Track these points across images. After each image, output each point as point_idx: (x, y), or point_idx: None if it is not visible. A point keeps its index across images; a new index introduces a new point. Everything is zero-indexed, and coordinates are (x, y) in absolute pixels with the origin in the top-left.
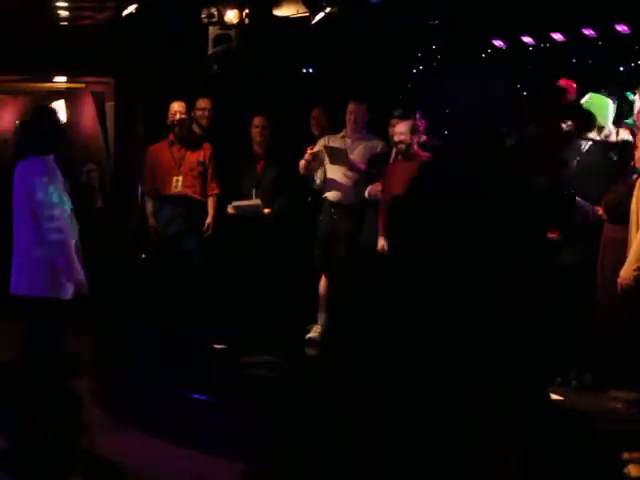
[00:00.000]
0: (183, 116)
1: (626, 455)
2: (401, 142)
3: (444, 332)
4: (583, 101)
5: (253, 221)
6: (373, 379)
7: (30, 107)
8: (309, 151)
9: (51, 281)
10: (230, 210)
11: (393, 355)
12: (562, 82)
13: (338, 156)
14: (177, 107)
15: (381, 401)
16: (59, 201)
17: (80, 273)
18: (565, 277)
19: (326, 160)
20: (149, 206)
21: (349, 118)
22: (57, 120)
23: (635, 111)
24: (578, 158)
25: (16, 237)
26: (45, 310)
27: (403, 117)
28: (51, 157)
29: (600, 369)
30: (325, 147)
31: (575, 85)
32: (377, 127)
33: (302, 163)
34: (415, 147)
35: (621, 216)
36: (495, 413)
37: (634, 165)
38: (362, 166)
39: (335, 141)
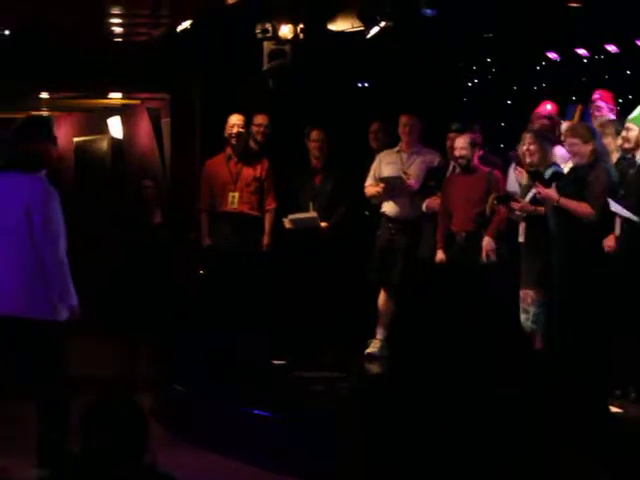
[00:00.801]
0: (241, 129)
1: None
2: (462, 157)
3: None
4: (634, 114)
5: (310, 234)
6: (435, 393)
7: (22, 119)
8: (380, 186)
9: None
10: (287, 223)
11: (453, 369)
12: (599, 93)
13: (395, 185)
14: (235, 120)
15: (443, 415)
16: (59, 220)
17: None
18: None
19: (381, 170)
20: (205, 223)
21: (403, 131)
22: (51, 133)
23: None
24: (633, 170)
25: (8, 256)
26: (53, 333)
27: (460, 131)
28: (44, 172)
29: None
30: (380, 179)
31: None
32: (433, 140)
33: (373, 191)
34: (475, 160)
35: None
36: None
37: None
38: (418, 182)
39: (390, 156)
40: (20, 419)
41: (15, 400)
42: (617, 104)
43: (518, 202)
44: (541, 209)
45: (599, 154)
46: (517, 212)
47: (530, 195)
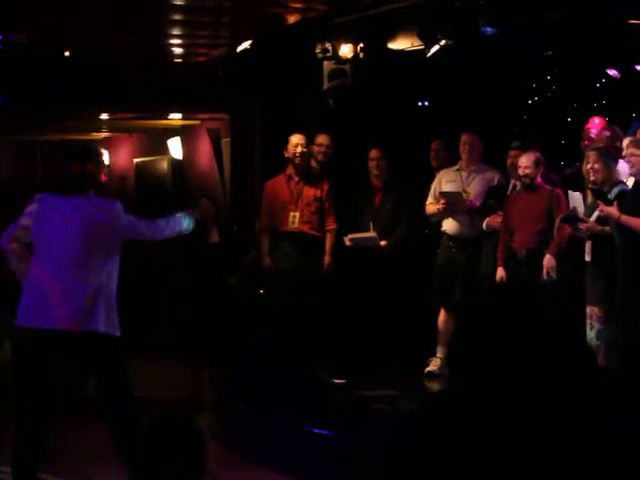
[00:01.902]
0: (304, 149)
1: None
2: (526, 176)
3: None
4: None
5: (370, 254)
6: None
7: (67, 146)
8: (440, 203)
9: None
10: (347, 242)
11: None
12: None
13: (455, 201)
14: (298, 140)
15: (506, 433)
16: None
17: None
18: None
19: (441, 188)
20: (265, 243)
21: (463, 149)
22: (93, 155)
23: None
24: None
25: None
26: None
27: (521, 149)
28: (91, 194)
29: None
30: (440, 193)
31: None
32: (493, 158)
33: (433, 209)
34: (538, 179)
35: None
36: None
37: None
38: (479, 200)
39: (450, 174)
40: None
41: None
42: None
43: (585, 222)
44: (607, 228)
45: None
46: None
47: (596, 214)
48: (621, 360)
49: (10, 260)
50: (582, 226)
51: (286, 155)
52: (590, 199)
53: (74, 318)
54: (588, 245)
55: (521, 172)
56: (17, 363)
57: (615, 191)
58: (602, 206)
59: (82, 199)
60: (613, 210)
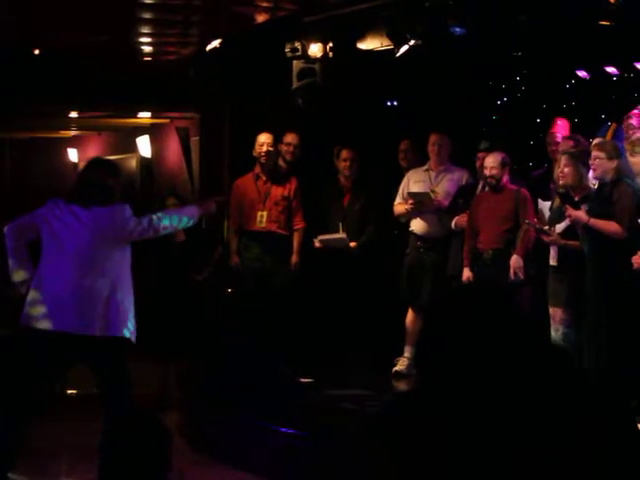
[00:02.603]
0: (271, 148)
1: None
2: (492, 176)
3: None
4: None
5: (339, 254)
6: (464, 411)
7: (91, 160)
8: (408, 203)
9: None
10: (316, 244)
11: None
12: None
13: (423, 201)
14: (264, 139)
15: (472, 432)
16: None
17: None
18: None
19: (410, 188)
20: (234, 243)
21: (432, 150)
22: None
23: None
24: None
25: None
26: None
27: (489, 149)
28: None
29: None
30: (408, 194)
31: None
32: (462, 159)
33: (401, 209)
34: (504, 180)
35: None
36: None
37: None
38: (447, 200)
39: (419, 174)
40: None
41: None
42: None
43: (550, 235)
44: (573, 243)
45: (622, 172)
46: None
47: (562, 226)
48: (593, 361)
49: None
50: (546, 239)
51: (253, 154)
52: (557, 202)
53: (82, 322)
54: (553, 250)
55: (487, 172)
56: (19, 363)
57: (583, 193)
58: (570, 210)
59: (102, 208)
60: (581, 214)
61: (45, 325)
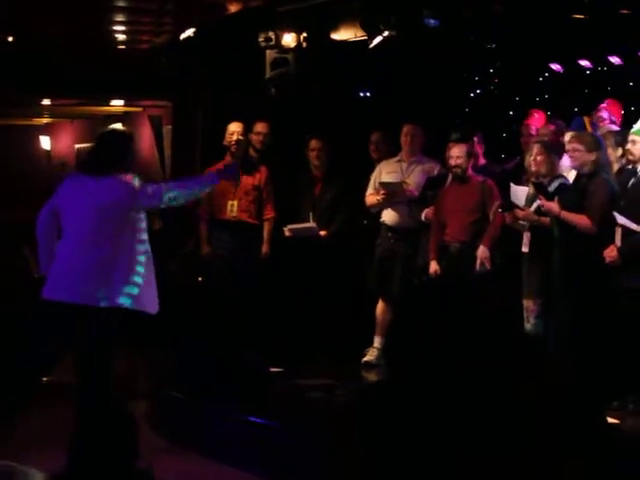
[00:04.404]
0: (240, 137)
1: None
2: (457, 166)
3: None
4: (638, 126)
5: (309, 242)
6: (432, 401)
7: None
8: (380, 193)
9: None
10: (286, 233)
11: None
12: (607, 102)
13: (395, 191)
14: (235, 128)
15: (441, 423)
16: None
17: None
18: (624, 302)
19: (381, 179)
20: (204, 231)
21: (404, 141)
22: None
23: None
24: (633, 181)
25: (90, 248)
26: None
27: (460, 141)
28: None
29: None
30: (380, 183)
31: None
32: (434, 150)
33: (373, 200)
34: (469, 171)
35: None
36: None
37: None
38: (418, 190)
39: (390, 165)
40: None
41: None
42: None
43: (524, 210)
44: (545, 219)
45: (601, 165)
46: (521, 221)
47: (535, 205)
48: (561, 350)
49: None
50: (519, 214)
51: (224, 143)
52: (531, 190)
53: (83, 292)
54: (526, 236)
55: (453, 162)
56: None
57: (555, 184)
58: (543, 201)
59: (111, 178)
60: (554, 206)
61: (52, 295)
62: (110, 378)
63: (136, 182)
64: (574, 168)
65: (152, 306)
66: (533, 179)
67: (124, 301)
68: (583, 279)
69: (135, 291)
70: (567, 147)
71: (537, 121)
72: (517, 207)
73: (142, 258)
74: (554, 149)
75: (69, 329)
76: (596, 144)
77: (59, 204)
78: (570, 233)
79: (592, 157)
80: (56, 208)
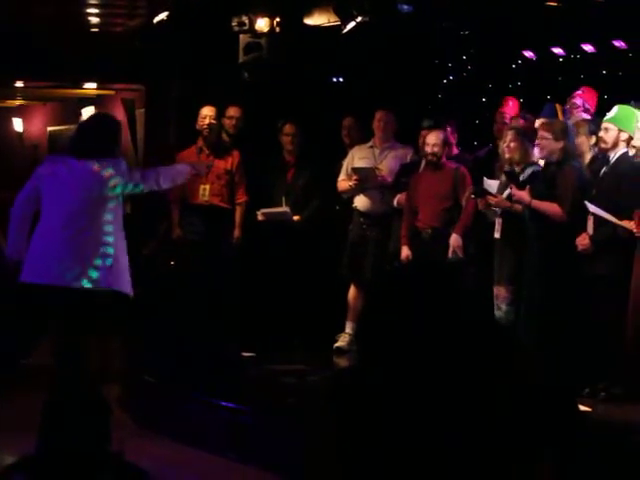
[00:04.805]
0: (213, 121)
1: None
2: (433, 154)
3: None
4: (611, 114)
5: (282, 227)
6: (404, 387)
7: (93, 115)
8: (352, 179)
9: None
10: (259, 217)
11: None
12: (583, 89)
13: (367, 177)
14: (207, 111)
15: (413, 409)
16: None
17: None
18: (596, 290)
19: (354, 164)
20: (175, 215)
21: (377, 127)
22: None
23: None
24: (605, 169)
25: (65, 230)
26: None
27: (433, 127)
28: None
29: (629, 381)
30: (353, 169)
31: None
32: (406, 136)
33: (345, 185)
34: (443, 158)
35: None
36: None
37: None
38: (390, 176)
39: (363, 151)
40: None
41: None
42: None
43: (496, 197)
44: (518, 206)
45: (569, 153)
46: (493, 208)
47: (507, 192)
48: (532, 337)
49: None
50: (491, 200)
51: (196, 127)
52: (503, 178)
53: (61, 273)
54: (498, 222)
55: (429, 150)
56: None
57: (528, 172)
58: (514, 190)
59: (97, 161)
60: (524, 195)
61: (29, 278)
62: (86, 362)
63: (123, 166)
64: (542, 157)
65: (128, 288)
66: (505, 167)
67: (97, 283)
68: (556, 267)
69: (100, 275)
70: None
71: (512, 109)
72: (489, 194)
73: (110, 239)
74: (528, 136)
75: (45, 312)
76: (564, 132)
77: (40, 186)
78: (542, 222)
79: (560, 145)
80: (37, 190)
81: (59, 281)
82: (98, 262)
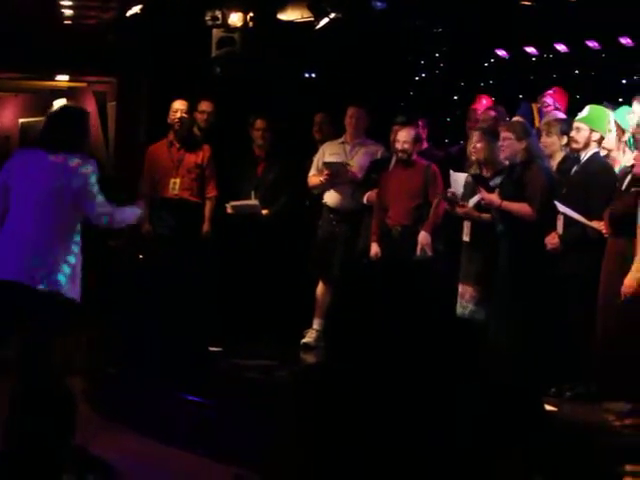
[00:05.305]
0: (184, 115)
1: (628, 468)
2: (403, 151)
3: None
4: (583, 114)
5: (251, 222)
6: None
7: (60, 107)
8: (323, 174)
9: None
10: (228, 209)
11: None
12: (554, 90)
13: (338, 172)
14: (179, 105)
15: (379, 405)
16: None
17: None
18: (565, 289)
19: (325, 158)
20: (144, 209)
21: (349, 123)
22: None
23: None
24: (576, 169)
25: (34, 226)
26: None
27: (405, 124)
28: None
29: (597, 380)
30: (324, 163)
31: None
32: (377, 133)
33: (316, 180)
34: (414, 156)
35: (626, 228)
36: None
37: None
38: (361, 173)
39: (334, 147)
40: None
41: None
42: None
43: (464, 207)
44: (486, 216)
45: (533, 153)
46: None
47: (475, 199)
48: (502, 339)
49: None
50: (459, 210)
51: (168, 121)
52: (469, 180)
53: (19, 271)
54: (467, 226)
55: (399, 146)
56: None
57: (497, 181)
58: (483, 193)
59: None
60: (494, 198)
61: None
62: (50, 355)
63: (94, 163)
64: (505, 158)
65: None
66: (473, 170)
67: (57, 286)
68: (525, 266)
69: (63, 280)
70: None
71: (484, 106)
72: (457, 203)
73: (76, 249)
74: (494, 136)
75: (10, 308)
76: (525, 132)
77: (8, 181)
78: (513, 223)
79: (522, 145)
80: (5, 185)
81: (26, 280)
82: (64, 267)
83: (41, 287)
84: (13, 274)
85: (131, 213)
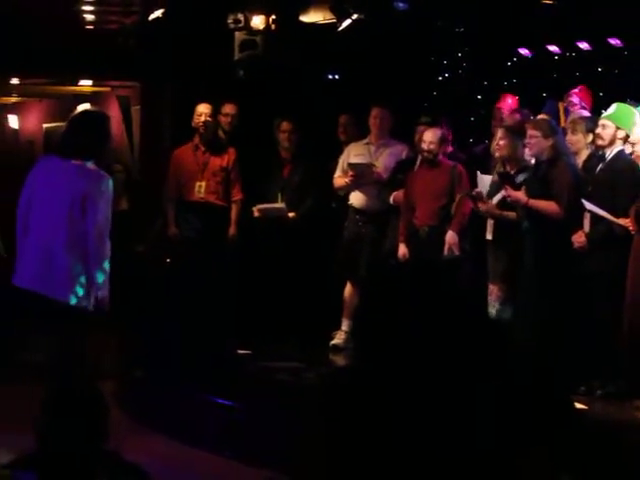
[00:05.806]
0: (209, 118)
1: None
2: (429, 151)
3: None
4: (609, 111)
5: (278, 226)
6: (398, 385)
7: (80, 112)
8: (348, 175)
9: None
10: (255, 213)
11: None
12: (579, 88)
13: (363, 173)
14: (203, 109)
15: (407, 406)
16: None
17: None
18: (592, 287)
19: (349, 160)
20: (171, 212)
21: (373, 123)
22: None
23: None
24: (601, 167)
25: (48, 235)
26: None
27: (430, 124)
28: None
29: (626, 378)
30: (349, 165)
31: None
32: (401, 133)
33: (341, 182)
34: (440, 156)
35: None
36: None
37: None
38: (386, 173)
39: (359, 148)
40: None
41: None
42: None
43: (486, 204)
44: (509, 213)
45: (560, 150)
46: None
47: (499, 197)
48: (528, 338)
49: None
50: (481, 207)
51: (192, 125)
52: (495, 178)
53: (37, 279)
54: (490, 224)
55: (425, 147)
56: None
57: (521, 178)
58: (509, 191)
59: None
60: (520, 195)
61: (16, 281)
62: (81, 358)
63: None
64: (532, 155)
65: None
66: (498, 168)
67: (71, 294)
68: (551, 265)
69: (80, 291)
70: None
71: (509, 106)
72: (479, 199)
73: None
74: (518, 133)
75: (37, 316)
76: (552, 129)
77: (32, 196)
78: (539, 221)
79: (549, 143)
80: (29, 201)
81: (40, 288)
82: (82, 279)
83: (55, 296)
84: (29, 281)
85: (106, 290)
